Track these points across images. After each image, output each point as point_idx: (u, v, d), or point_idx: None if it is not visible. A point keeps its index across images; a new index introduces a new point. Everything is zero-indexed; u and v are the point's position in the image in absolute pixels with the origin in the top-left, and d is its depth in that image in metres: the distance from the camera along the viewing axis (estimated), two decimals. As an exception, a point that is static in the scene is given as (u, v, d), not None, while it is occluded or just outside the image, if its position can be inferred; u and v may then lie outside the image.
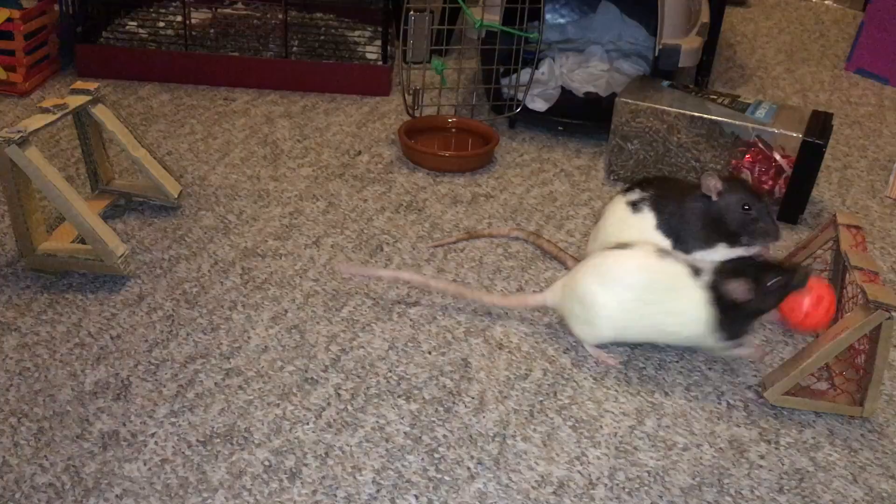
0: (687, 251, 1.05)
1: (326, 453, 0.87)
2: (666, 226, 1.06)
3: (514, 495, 0.84)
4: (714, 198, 1.03)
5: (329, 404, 0.93)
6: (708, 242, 1.04)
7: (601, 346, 1.04)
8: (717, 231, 1.04)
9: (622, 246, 1.03)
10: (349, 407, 0.93)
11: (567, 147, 1.57)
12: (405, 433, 0.90)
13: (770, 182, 1.35)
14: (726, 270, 0.97)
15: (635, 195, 1.09)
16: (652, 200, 1.08)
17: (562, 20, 1.94)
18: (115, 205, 1.26)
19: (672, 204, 1.06)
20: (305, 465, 0.86)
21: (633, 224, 1.08)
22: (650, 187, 1.10)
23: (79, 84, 1.20)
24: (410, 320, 1.07)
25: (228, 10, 1.92)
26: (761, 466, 0.90)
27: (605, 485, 0.86)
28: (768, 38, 2.30)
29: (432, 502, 0.83)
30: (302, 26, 1.84)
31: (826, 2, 2.64)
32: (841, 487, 0.88)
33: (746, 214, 1.02)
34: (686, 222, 1.05)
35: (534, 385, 0.98)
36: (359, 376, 0.97)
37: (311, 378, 0.96)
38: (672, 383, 1.00)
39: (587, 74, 1.75)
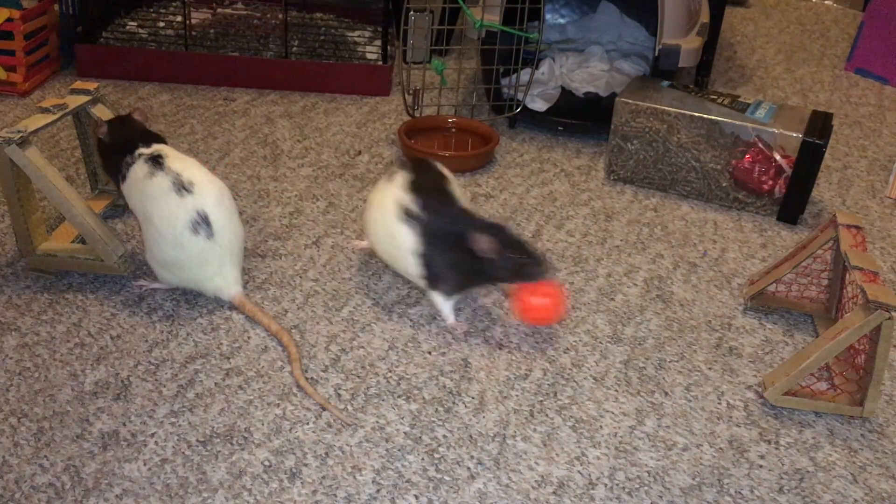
0: (434, 287, 1.06)
1: (326, 453, 0.87)
2: (423, 259, 1.04)
3: (514, 495, 0.84)
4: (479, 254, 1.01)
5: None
6: (463, 287, 1.06)
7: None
8: (480, 277, 1.03)
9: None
10: (349, 407, 0.93)
11: (567, 147, 1.57)
12: (405, 433, 0.90)
13: (770, 182, 1.35)
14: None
15: (406, 199, 1.04)
16: (420, 223, 1.03)
17: (562, 20, 1.94)
18: (115, 205, 1.26)
19: (440, 242, 1.03)
20: (305, 465, 0.86)
21: (397, 234, 1.05)
22: (423, 196, 1.04)
23: (79, 84, 1.20)
24: (410, 320, 1.07)
25: (228, 10, 1.92)
26: (761, 466, 0.90)
27: (605, 485, 0.86)
28: (768, 38, 2.30)
29: (432, 502, 0.83)
30: (302, 26, 1.84)
31: (826, 2, 2.64)
32: (841, 487, 0.88)
33: (512, 261, 1.00)
34: (447, 273, 1.04)
35: (534, 385, 0.98)
36: (359, 376, 0.97)
37: (311, 378, 0.96)
38: (672, 383, 1.00)
39: (587, 74, 1.75)
